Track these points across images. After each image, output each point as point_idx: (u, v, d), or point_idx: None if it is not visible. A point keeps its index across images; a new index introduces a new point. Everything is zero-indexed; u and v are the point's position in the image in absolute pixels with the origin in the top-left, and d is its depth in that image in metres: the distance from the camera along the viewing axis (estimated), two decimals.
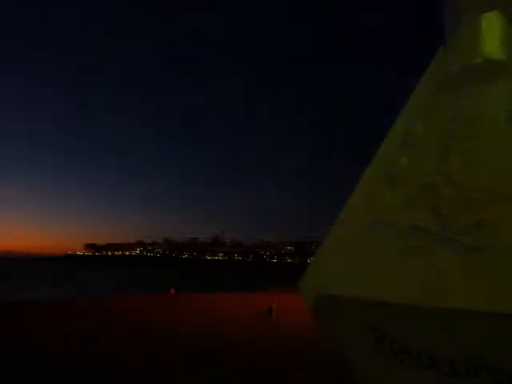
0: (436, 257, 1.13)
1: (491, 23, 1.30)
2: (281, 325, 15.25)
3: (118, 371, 8.76)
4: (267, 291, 33.14)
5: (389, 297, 1.17)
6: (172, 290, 29.67)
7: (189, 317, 16.97)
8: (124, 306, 21.16)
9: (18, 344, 11.30)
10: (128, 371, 8.80)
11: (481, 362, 1.02)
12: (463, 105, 1.26)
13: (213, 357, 10.07)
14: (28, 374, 8.50)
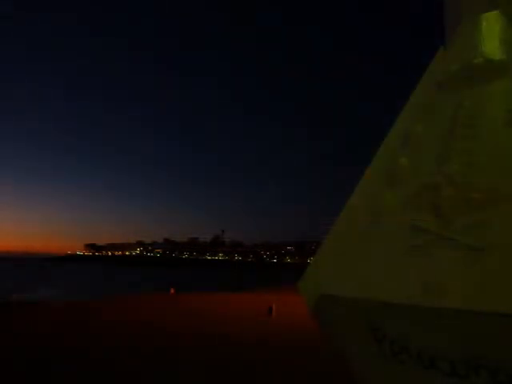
0: (436, 257, 1.13)
1: (491, 23, 1.30)
2: (281, 324, 15.26)
3: (118, 371, 8.77)
4: (267, 291, 33.13)
5: (389, 297, 1.17)
6: (172, 290, 29.68)
7: (189, 317, 16.98)
8: (124, 306, 21.17)
9: (19, 344, 11.31)
10: (128, 371, 8.81)
11: (481, 362, 1.02)
12: (463, 105, 1.25)
13: (213, 357, 10.08)
14: (28, 374, 8.51)
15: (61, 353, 10.26)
